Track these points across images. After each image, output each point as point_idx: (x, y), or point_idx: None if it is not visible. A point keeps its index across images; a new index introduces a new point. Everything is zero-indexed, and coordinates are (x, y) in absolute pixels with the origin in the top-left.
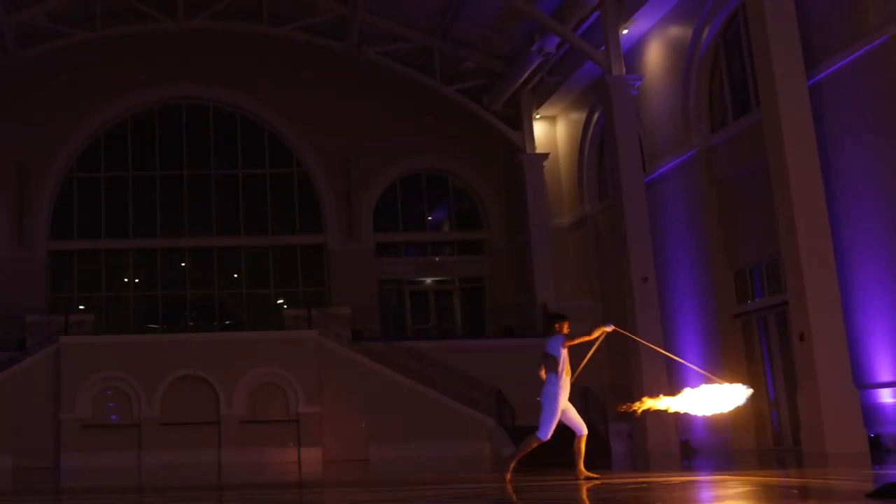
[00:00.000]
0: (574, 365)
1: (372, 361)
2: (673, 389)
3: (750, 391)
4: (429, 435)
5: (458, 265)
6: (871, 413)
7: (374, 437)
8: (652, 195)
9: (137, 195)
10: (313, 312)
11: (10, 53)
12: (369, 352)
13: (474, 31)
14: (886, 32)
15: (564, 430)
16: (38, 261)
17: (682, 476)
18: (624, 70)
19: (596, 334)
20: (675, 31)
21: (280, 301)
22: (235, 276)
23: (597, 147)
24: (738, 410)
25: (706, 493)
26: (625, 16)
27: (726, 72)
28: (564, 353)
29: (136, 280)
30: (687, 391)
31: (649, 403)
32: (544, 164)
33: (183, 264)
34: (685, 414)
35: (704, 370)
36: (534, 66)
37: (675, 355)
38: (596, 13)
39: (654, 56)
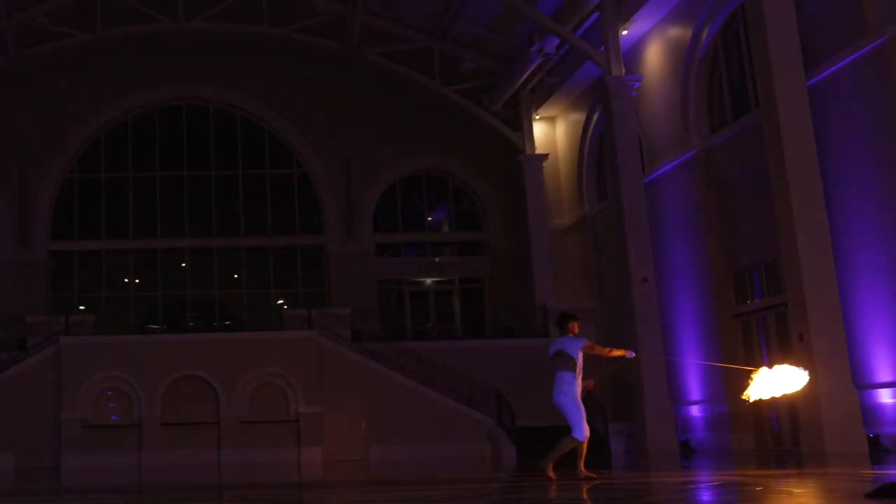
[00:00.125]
0: (586, 372)
1: (372, 361)
2: (673, 389)
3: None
4: (429, 435)
5: (457, 266)
6: (870, 413)
7: (374, 437)
8: (651, 196)
9: (138, 196)
10: (313, 313)
11: (11, 54)
12: (369, 352)
13: (474, 31)
14: (886, 32)
15: (568, 431)
16: (38, 261)
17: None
18: (623, 71)
19: (616, 353)
20: (674, 31)
21: (280, 301)
22: (235, 276)
23: (596, 148)
24: (738, 410)
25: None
26: (624, 17)
27: (726, 72)
28: (581, 356)
29: (137, 280)
30: (763, 371)
31: (755, 394)
32: (544, 164)
33: (183, 265)
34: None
35: (749, 366)
36: (533, 66)
37: (675, 355)
38: (595, 14)
39: (654, 57)
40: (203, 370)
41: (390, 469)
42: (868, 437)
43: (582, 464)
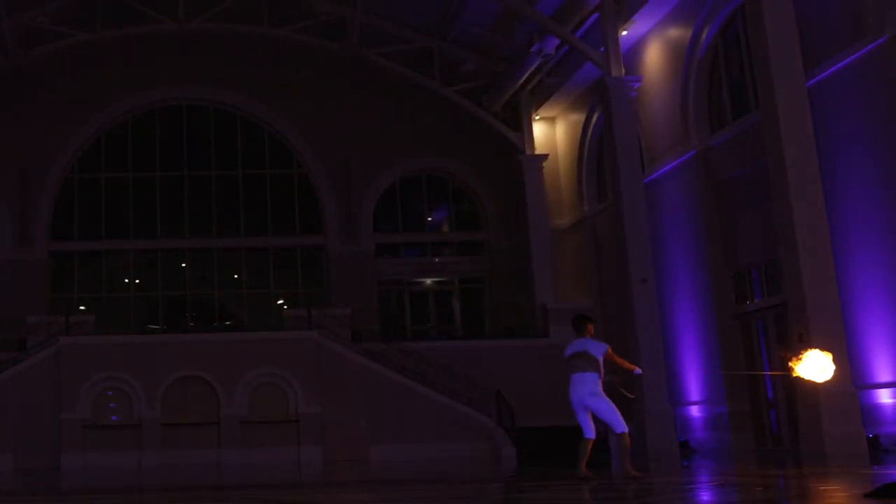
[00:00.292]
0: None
1: (372, 362)
2: (673, 389)
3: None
4: (429, 435)
5: (457, 266)
6: (869, 413)
7: (374, 437)
8: (651, 196)
9: (138, 196)
10: (313, 313)
11: (11, 55)
12: (369, 352)
13: (474, 32)
14: (885, 33)
15: (573, 432)
16: (38, 261)
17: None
18: (623, 71)
19: (627, 366)
20: (674, 32)
21: (280, 301)
22: (235, 276)
23: (596, 148)
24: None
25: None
26: (624, 17)
27: (725, 73)
28: (601, 360)
29: (137, 281)
30: (812, 353)
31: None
32: (543, 164)
33: (183, 265)
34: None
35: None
36: (533, 67)
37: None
38: (595, 15)
39: (654, 57)
40: (203, 370)
41: (390, 469)
42: (868, 437)
43: (584, 464)
